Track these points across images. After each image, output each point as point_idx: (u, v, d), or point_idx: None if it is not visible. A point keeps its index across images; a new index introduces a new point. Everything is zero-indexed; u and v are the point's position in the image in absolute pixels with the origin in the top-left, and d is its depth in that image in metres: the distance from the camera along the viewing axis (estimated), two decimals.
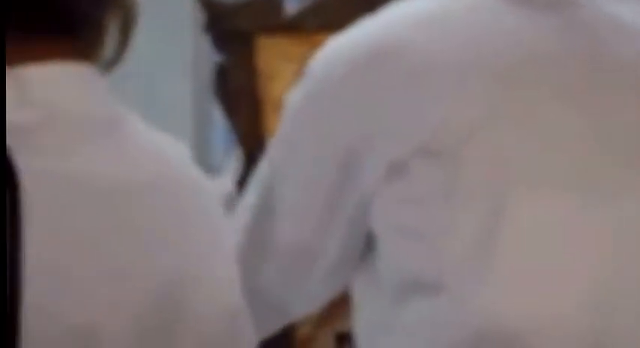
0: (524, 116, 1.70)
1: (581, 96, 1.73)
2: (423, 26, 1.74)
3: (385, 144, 1.67)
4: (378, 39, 1.72)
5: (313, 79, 1.74)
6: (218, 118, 2.45)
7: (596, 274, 1.68)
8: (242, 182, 2.17)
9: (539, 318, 1.66)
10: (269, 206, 1.79)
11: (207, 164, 2.76)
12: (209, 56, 2.50)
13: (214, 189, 1.51)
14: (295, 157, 1.77)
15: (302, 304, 1.87)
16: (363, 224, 1.71)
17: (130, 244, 1.35)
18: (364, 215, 1.71)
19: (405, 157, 1.66)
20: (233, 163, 2.37)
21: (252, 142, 2.28)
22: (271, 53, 2.30)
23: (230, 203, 2.05)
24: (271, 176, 1.78)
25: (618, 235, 1.69)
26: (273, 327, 1.88)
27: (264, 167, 1.79)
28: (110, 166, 1.37)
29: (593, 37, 1.79)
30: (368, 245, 1.72)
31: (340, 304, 1.97)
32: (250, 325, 1.46)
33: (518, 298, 1.66)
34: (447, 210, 1.67)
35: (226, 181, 2.33)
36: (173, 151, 1.43)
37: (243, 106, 2.30)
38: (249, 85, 2.29)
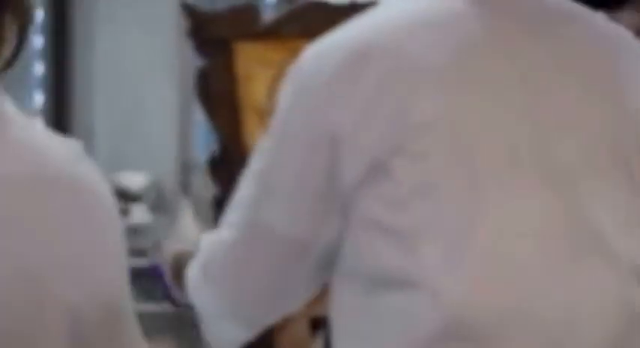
0: (480, 111, 1.69)
1: (517, 75, 1.72)
2: (401, 31, 1.74)
3: (366, 139, 1.66)
4: (360, 41, 1.72)
5: (302, 75, 1.74)
6: (201, 118, 2.41)
7: (554, 268, 1.67)
8: (219, 179, 2.23)
9: (504, 309, 1.66)
10: (264, 195, 1.77)
11: (190, 161, 2.70)
12: (192, 61, 2.48)
13: (106, 189, 1.40)
14: (287, 147, 1.76)
15: (293, 299, 1.86)
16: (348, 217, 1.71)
17: (22, 244, 1.26)
18: (349, 209, 1.70)
19: (384, 157, 1.66)
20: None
21: (231, 141, 2.26)
22: (250, 58, 2.27)
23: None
24: (265, 168, 1.77)
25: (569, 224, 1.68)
26: (271, 317, 1.88)
27: (256, 161, 1.78)
28: None
29: (527, 18, 1.80)
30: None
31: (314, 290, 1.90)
32: (135, 334, 1.39)
33: (488, 292, 1.66)
34: (422, 209, 1.66)
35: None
36: (60, 150, 1.37)
37: (223, 109, 2.26)
38: (228, 89, 2.26)
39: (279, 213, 1.75)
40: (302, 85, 1.74)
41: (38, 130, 1.35)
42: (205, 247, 1.86)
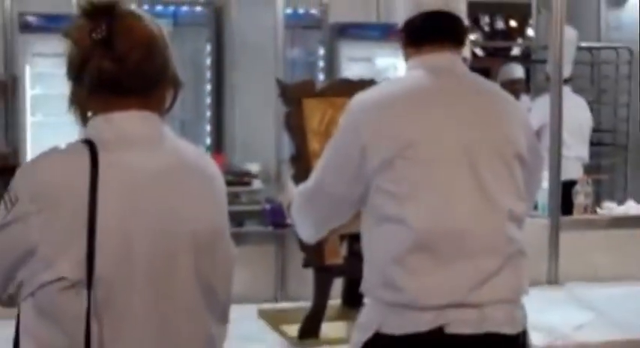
0: (434, 128, 1.81)
1: (455, 113, 1.84)
2: (396, 93, 1.86)
3: (379, 149, 1.78)
4: (377, 97, 1.85)
5: (349, 112, 1.86)
6: (287, 138, 2.56)
7: (468, 209, 1.78)
8: (294, 167, 2.50)
9: (444, 232, 1.76)
10: (325, 171, 1.87)
11: (282, 158, 2.85)
12: (283, 107, 2.60)
13: (219, 173, 1.49)
14: (339, 150, 1.86)
15: (338, 220, 1.95)
16: (369, 187, 1.81)
17: (174, 201, 1.38)
18: (370, 183, 1.80)
19: (389, 158, 1.78)
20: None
21: (301, 148, 2.51)
22: (310, 108, 2.52)
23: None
24: (327, 157, 1.87)
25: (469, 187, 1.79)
26: (327, 227, 1.99)
27: (324, 154, 1.89)
28: (154, 159, 1.38)
29: (462, 83, 1.91)
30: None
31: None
32: (230, 246, 1.46)
33: (437, 224, 1.77)
34: (408, 186, 1.77)
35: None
36: (193, 151, 1.46)
37: (297, 132, 2.52)
38: (299, 123, 2.51)
39: (331, 181, 1.87)
40: (349, 116, 1.86)
41: (181, 142, 1.46)
42: (298, 192, 2.00)
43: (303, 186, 1.96)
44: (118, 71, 1.37)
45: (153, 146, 1.39)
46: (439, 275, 1.74)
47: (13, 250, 1.33)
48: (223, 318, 1.47)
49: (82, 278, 1.28)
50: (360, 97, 1.85)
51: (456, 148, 1.79)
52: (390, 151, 1.75)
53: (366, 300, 1.88)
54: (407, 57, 1.93)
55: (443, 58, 1.88)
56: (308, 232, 2.03)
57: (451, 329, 1.73)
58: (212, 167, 1.48)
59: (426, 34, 1.89)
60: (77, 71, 1.39)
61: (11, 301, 1.40)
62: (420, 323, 1.73)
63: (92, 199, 1.29)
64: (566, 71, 3.63)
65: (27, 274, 1.33)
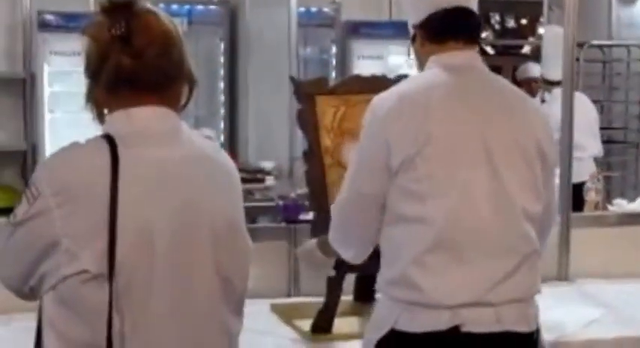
0: (454, 126, 1.79)
1: (475, 110, 1.82)
2: (415, 87, 1.85)
3: (403, 146, 1.77)
4: (400, 95, 1.83)
5: (374, 109, 1.84)
6: (300, 133, 2.57)
7: (487, 207, 1.77)
8: (307, 161, 2.51)
9: (466, 231, 1.76)
10: (356, 174, 1.85)
11: (294, 154, 2.87)
12: (296, 104, 2.59)
13: (234, 166, 1.52)
14: (366, 148, 1.84)
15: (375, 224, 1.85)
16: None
17: (193, 194, 1.40)
18: (392, 181, 1.78)
19: (412, 156, 1.76)
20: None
21: (313, 143, 2.52)
22: (323, 104, 2.53)
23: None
24: (356, 159, 1.86)
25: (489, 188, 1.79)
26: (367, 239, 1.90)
27: (353, 156, 1.87)
28: (173, 154, 1.41)
29: (483, 81, 1.89)
30: None
31: None
32: (246, 238, 1.47)
33: (458, 223, 1.75)
34: (428, 184, 1.76)
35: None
36: (208, 145, 1.50)
37: (310, 128, 2.53)
38: (312, 119, 2.53)
39: (364, 182, 1.83)
40: (373, 115, 1.84)
41: (196, 135, 1.49)
42: (333, 207, 1.93)
43: (336, 201, 1.91)
44: (136, 67, 1.38)
45: (171, 141, 1.40)
46: (458, 275, 1.73)
47: (35, 244, 1.34)
48: (239, 310, 1.49)
49: (104, 271, 1.30)
50: (382, 96, 1.84)
51: (476, 145, 1.78)
52: (411, 150, 1.74)
53: (379, 297, 1.88)
54: (424, 54, 1.90)
55: (464, 55, 1.87)
56: (353, 251, 1.94)
57: (467, 328, 1.73)
58: (228, 161, 1.50)
59: (448, 30, 1.87)
60: (96, 67, 1.40)
61: (33, 294, 1.41)
62: (437, 322, 1.72)
63: (113, 192, 1.30)
64: (557, 74, 3.45)
65: (50, 266, 1.34)
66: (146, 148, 1.37)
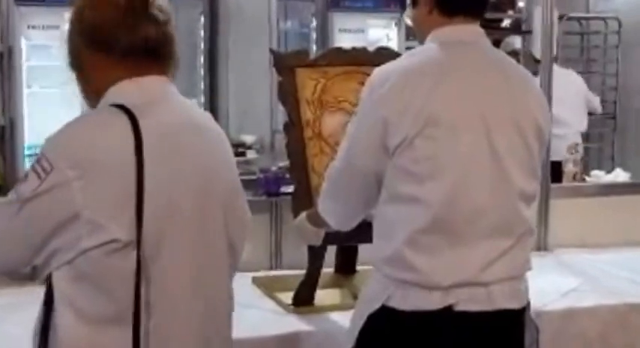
0: (455, 103, 1.74)
1: (477, 90, 1.77)
2: (416, 62, 1.79)
3: (402, 125, 1.71)
4: (402, 70, 1.78)
5: (372, 83, 1.78)
6: (281, 107, 2.58)
7: (486, 186, 1.75)
8: (286, 133, 2.50)
9: (464, 212, 1.73)
10: (351, 147, 1.82)
11: (275, 128, 2.92)
12: (277, 77, 2.57)
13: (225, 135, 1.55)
14: (362, 123, 1.79)
15: (371, 202, 1.84)
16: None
17: (208, 160, 1.42)
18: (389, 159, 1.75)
19: (411, 136, 1.71)
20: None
21: (294, 116, 2.51)
22: (303, 77, 2.53)
23: None
24: (352, 132, 1.82)
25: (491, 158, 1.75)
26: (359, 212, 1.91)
27: (349, 128, 1.83)
28: (183, 121, 1.43)
29: (485, 57, 1.85)
30: None
31: None
32: (245, 203, 1.51)
33: (455, 204, 1.73)
34: (427, 165, 1.72)
35: None
36: (205, 113, 1.53)
37: (290, 100, 2.52)
38: (293, 91, 2.52)
39: (358, 154, 1.80)
40: (371, 90, 1.78)
41: (192, 103, 1.51)
42: (326, 175, 1.92)
43: (329, 169, 1.91)
44: (160, 37, 1.39)
45: (178, 109, 1.42)
46: (452, 255, 1.72)
47: (48, 219, 1.31)
48: (232, 277, 1.51)
49: (133, 239, 1.28)
50: (381, 70, 1.80)
51: (476, 123, 1.75)
52: (411, 130, 1.71)
53: (373, 271, 1.85)
54: (427, 23, 1.83)
55: (468, 30, 1.83)
56: (339, 218, 1.94)
57: (460, 307, 1.72)
58: (218, 127, 1.53)
59: (464, 4, 1.82)
60: (111, 36, 1.37)
61: (34, 274, 1.37)
62: (430, 302, 1.72)
63: (139, 161, 1.29)
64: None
65: (65, 240, 1.31)
66: (160, 116, 1.36)
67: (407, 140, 1.71)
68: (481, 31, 1.85)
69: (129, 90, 1.38)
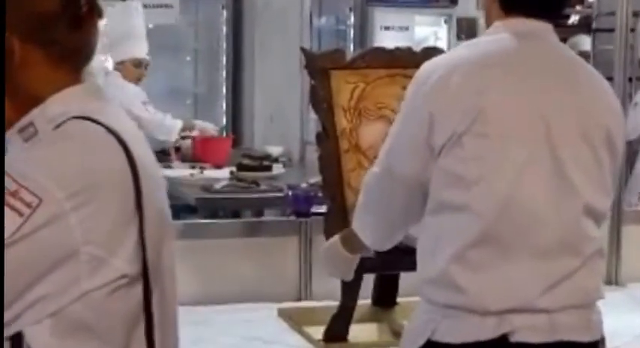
0: (509, 100, 1.76)
1: (537, 87, 1.78)
2: (468, 54, 1.83)
3: (450, 122, 1.73)
4: (449, 64, 1.81)
5: (419, 79, 1.82)
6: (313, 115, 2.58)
7: (545, 198, 1.74)
8: (320, 145, 2.53)
9: (515, 225, 1.73)
10: (392, 149, 1.84)
11: (305, 139, 3.01)
12: (308, 81, 2.63)
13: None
14: (407, 121, 1.82)
15: (413, 216, 1.86)
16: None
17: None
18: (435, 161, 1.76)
19: (459, 133, 1.73)
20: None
21: (328, 125, 2.54)
22: (338, 80, 2.56)
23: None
24: (395, 132, 1.84)
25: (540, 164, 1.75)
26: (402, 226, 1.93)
27: (392, 128, 1.85)
28: (128, 122, 1.38)
29: (549, 52, 1.86)
30: None
31: None
32: None
33: (506, 215, 1.72)
34: (476, 167, 1.73)
35: None
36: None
37: (323, 108, 2.55)
38: (327, 97, 2.54)
39: (400, 160, 1.82)
40: (418, 86, 1.81)
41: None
42: (363, 183, 1.93)
43: (366, 176, 1.93)
44: (94, 38, 1.34)
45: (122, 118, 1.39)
46: (506, 274, 1.72)
47: (36, 263, 1.20)
48: None
49: (139, 270, 1.24)
50: (430, 63, 1.83)
51: (534, 123, 1.75)
52: (459, 127, 1.73)
53: (418, 300, 1.85)
54: (492, 12, 1.87)
55: (534, 23, 1.84)
56: (376, 234, 1.95)
57: (517, 337, 1.71)
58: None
59: (519, 1, 1.85)
60: (54, 32, 1.29)
61: None
62: (482, 330, 1.71)
63: (136, 181, 1.25)
64: None
65: (54, 287, 1.20)
66: (121, 125, 1.32)
67: (454, 138, 1.73)
68: (548, 26, 1.85)
69: (77, 98, 1.31)
